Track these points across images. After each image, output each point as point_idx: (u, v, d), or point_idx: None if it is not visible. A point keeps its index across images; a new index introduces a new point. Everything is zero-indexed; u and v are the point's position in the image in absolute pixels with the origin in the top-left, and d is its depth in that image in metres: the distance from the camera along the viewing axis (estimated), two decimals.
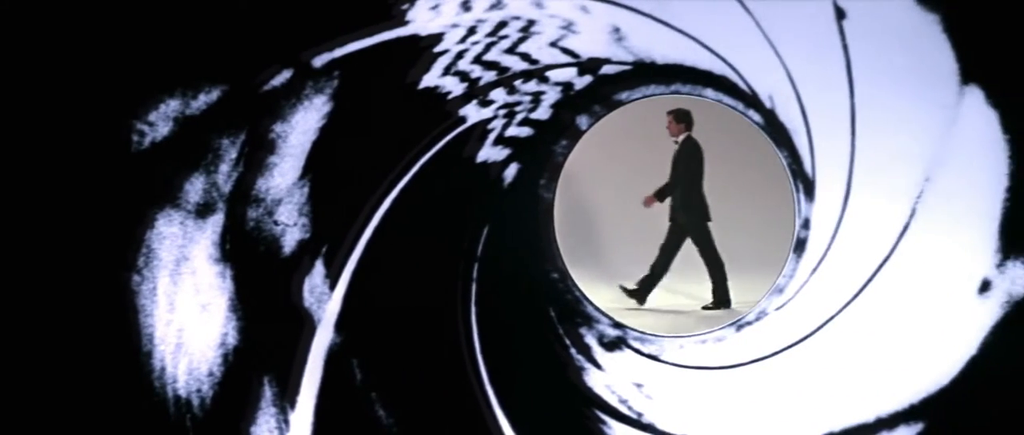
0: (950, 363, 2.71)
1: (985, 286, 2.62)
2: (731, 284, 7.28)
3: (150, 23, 2.45)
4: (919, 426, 2.82)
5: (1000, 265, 2.57)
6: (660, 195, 7.17)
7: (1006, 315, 2.54)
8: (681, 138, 7.02)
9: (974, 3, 2.54)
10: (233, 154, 2.67)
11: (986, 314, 2.60)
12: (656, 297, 7.30)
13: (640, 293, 7.16)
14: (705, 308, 7.01)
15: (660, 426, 3.87)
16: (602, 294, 6.84)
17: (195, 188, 2.61)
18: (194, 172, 2.60)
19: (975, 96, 2.61)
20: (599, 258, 8.23)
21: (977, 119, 2.58)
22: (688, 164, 7.04)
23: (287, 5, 2.69)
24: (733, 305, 7.05)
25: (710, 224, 7.19)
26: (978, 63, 2.58)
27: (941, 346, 2.80)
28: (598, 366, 4.36)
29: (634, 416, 3.94)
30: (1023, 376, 2.52)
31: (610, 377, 4.24)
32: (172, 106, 2.48)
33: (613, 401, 4.04)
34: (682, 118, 7.01)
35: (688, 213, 7.14)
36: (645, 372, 4.36)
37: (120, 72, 2.46)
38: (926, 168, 3.02)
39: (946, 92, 2.71)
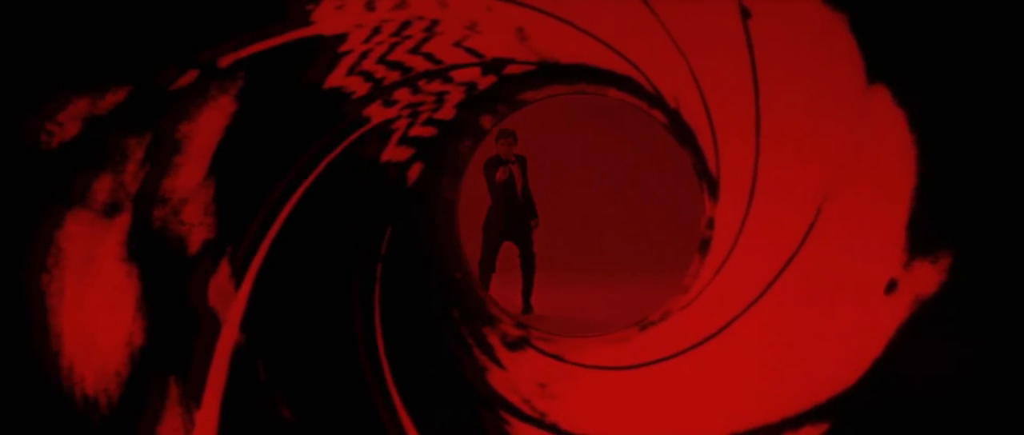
0: (856, 364, 2.72)
1: (891, 286, 2.63)
2: (637, 282, 7.49)
3: (57, 23, 2.37)
4: (824, 427, 2.83)
5: (907, 265, 2.58)
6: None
7: (912, 316, 2.56)
8: (514, 155, 7.23)
9: (881, 2, 2.55)
10: (140, 154, 2.63)
11: (892, 314, 2.62)
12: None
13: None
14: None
15: (563, 426, 3.84)
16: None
17: (103, 188, 2.55)
18: (102, 172, 2.54)
19: (882, 96, 2.62)
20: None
21: (884, 118, 2.59)
22: (525, 175, 7.28)
23: (194, 6, 2.66)
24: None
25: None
26: (885, 62, 2.59)
27: (847, 347, 2.81)
28: (501, 366, 4.37)
29: (537, 416, 3.91)
30: (928, 377, 2.54)
31: (513, 376, 4.25)
32: (80, 106, 2.41)
33: (516, 401, 4.02)
34: (515, 138, 7.21)
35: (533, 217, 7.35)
36: (549, 372, 4.38)
37: (27, 72, 2.37)
38: (832, 167, 3.03)
39: (853, 92, 2.72)
